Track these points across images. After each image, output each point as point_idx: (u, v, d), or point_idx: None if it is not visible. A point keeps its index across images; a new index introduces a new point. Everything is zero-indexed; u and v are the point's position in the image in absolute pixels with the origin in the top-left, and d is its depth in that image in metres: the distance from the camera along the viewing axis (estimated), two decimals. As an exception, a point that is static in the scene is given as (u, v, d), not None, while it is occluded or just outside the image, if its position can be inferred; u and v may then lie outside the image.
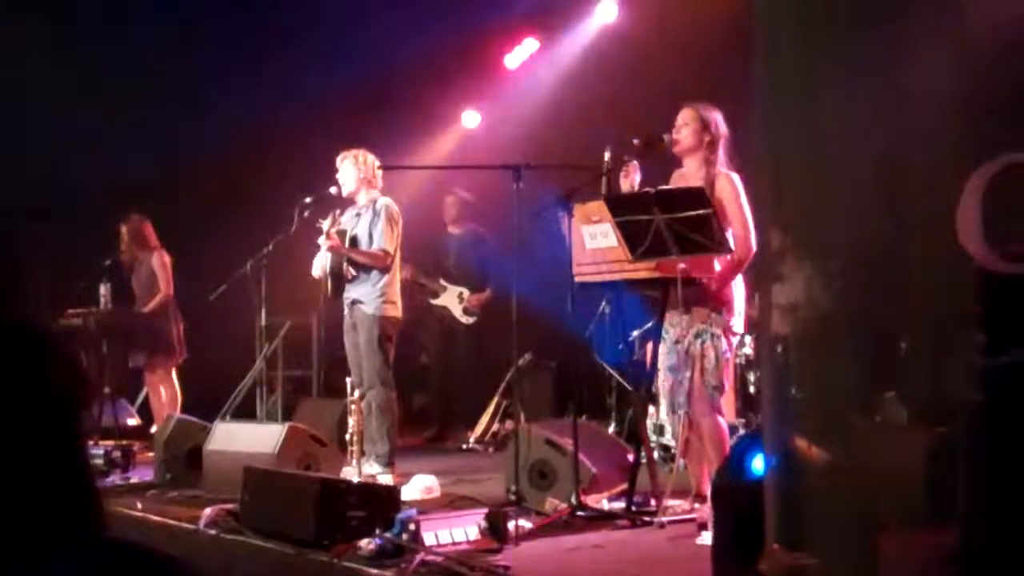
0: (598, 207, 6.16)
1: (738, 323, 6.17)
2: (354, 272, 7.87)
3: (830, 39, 3.08)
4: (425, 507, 6.47)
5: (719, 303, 6.07)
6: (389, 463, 7.69)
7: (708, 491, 5.46)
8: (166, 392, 9.95)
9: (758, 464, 4.10)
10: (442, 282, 10.54)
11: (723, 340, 6.07)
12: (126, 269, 10.19)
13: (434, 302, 10.53)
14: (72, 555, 1.69)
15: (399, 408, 8.16)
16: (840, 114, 3.09)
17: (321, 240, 7.83)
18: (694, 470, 6.31)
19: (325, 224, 7.81)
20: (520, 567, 5.23)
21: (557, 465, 6.61)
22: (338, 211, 7.96)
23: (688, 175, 6.27)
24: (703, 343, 6.06)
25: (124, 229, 10.11)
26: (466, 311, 10.52)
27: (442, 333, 10.76)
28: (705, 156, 6.20)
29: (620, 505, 6.39)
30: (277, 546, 5.69)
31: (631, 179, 6.29)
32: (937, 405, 3.11)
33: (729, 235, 5.89)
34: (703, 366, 6.05)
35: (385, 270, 7.84)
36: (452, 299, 10.56)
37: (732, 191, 6.06)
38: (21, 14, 10.07)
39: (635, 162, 6.30)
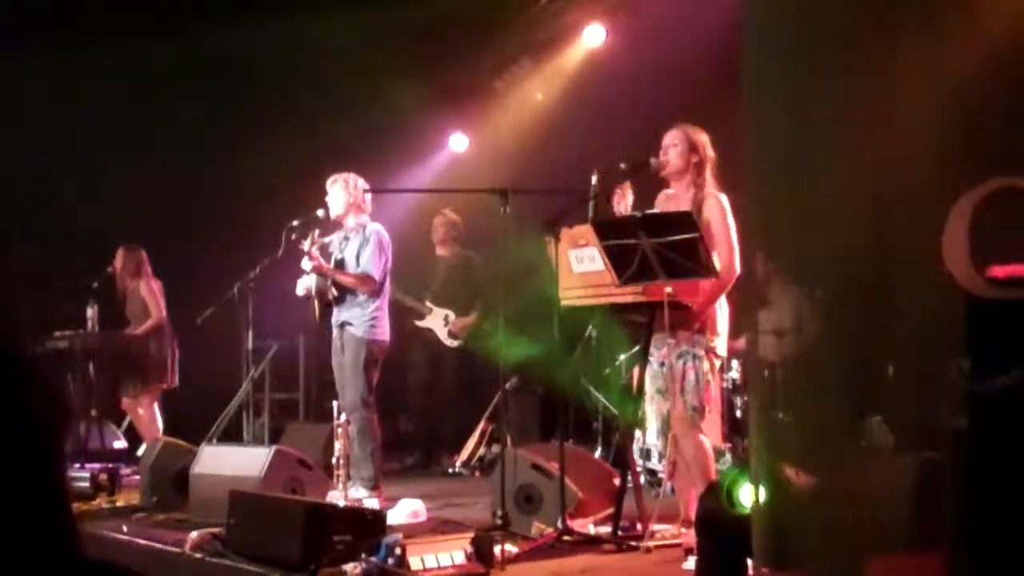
0: (585, 231, 6.17)
1: (721, 345, 6.17)
2: (336, 293, 7.87)
3: (815, 68, 3.10)
4: (411, 531, 6.44)
5: (702, 324, 6.07)
6: (374, 486, 7.67)
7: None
8: (147, 418, 9.89)
9: (745, 497, 4.11)
10: (428, 304, 10.51)
11: (705, 361, 6.06)
12: (119, 296, 10.17)
13: (419, 324, 10.50)
14: None
15: (384, 432, 8.13)
16: (826, 142, 3.11)
17: (304, 262, 7.83)
18: (681, 495, 6.30)
19: (305, 244, 7.80)
20: (506, 591, 5.22)
21: (543, 489, 6.60)
22: (317, 231, 7.95)
23: (676, 197, 6.27)
24: (684, 364, 6.05)
25: (120, 253, 10.09)
26: (451, 334, 10.49)
27: (429, 357, 10.73)
28: (692, 178, 6.19)
29: (606, 529, 6.38)
30: (263, 570, 5.66)
31: (625, 202, 6.28)
32: (924, 430, 3.12)
33: (715, 257, 5.89)
34: (683, 387, 6.05)
35: (373, 294, 7.84)
36: (438, 322, 10.52)
37: (720, 213, 6.06)
38: (20, 43, 10.08)
39: (628, 183, 6.29)
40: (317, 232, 7.94)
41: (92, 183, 10.29)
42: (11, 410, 1.72)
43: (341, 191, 7.95)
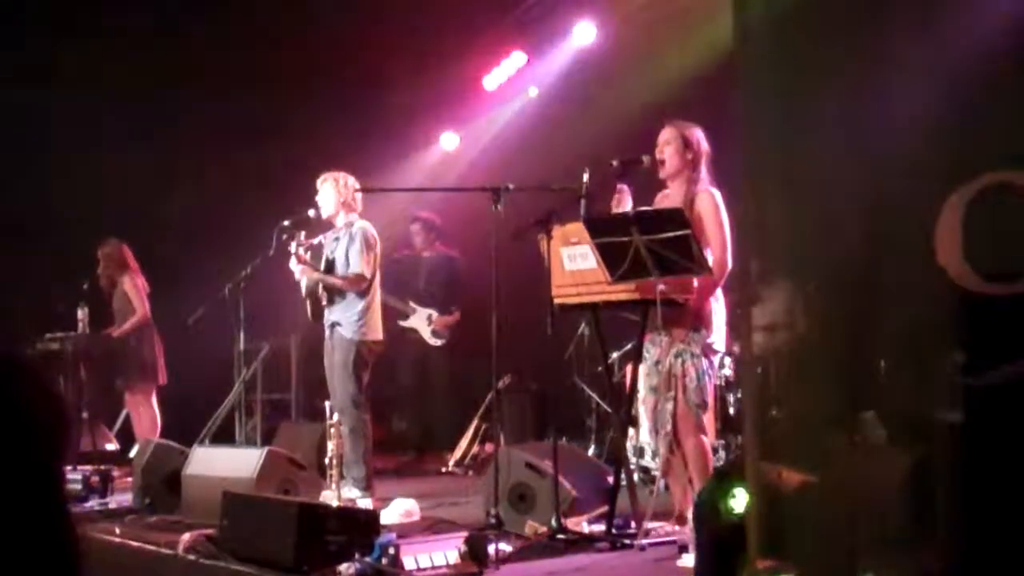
0: (577, 229, 6.16)
1: (718, 341, 6.17)
2: (325, 295, 7.85)
3: (809, 64, 3.09)
4: (405, 531, 6.44)
5: (698, 322, 6.06)
6: (367, 487, 7.63)
7: (689, 512, 5.44)
8: (145, 415, 9.88)
9: (733, 503, 4.11)
10: (412, 304, 10.54)
11: (703, 359, 6.06)
12: (105, 293, 10.15)
13: (403, 324, 10.52)
14: None
15: (377, 432, 8.11)
16: (819, 138, 3.10)
17: (292, 265, 7.79)
18: (675, 491, 6.30)
19: (292, 246, 7.77)
20: (500, 591, 5.21)
21: (537, 488, 6.58)
22: (303, 234, 7.91)
23: (673, 196, 6.26)
24: (683, 363, 6.04)
25: (101, 253, 10.07)
26: (434, 333, 10.53)
27: (416, 356, 10.74)
28: (688, 175, 6.20)
29: (600, 528, 6.38)
30: (256, 571, 5.65)
31: (623, 205, 6.26)
32: (916, 425, 3.12)
33: (708, 253, 5.88)
34: (685, 385, 6.04)
35: (362, 294, 7.81)
36: (421, 321, 10.56)
37: (712, 208, 6.06)
38: (12, 46, 10.08)
39: (625, 187, 6.28)
40: (303, 234, 7.90)
41: (83, 184, 10.26)
42: (14, 417, 1.71)
43: (331, 190, 7.91)
